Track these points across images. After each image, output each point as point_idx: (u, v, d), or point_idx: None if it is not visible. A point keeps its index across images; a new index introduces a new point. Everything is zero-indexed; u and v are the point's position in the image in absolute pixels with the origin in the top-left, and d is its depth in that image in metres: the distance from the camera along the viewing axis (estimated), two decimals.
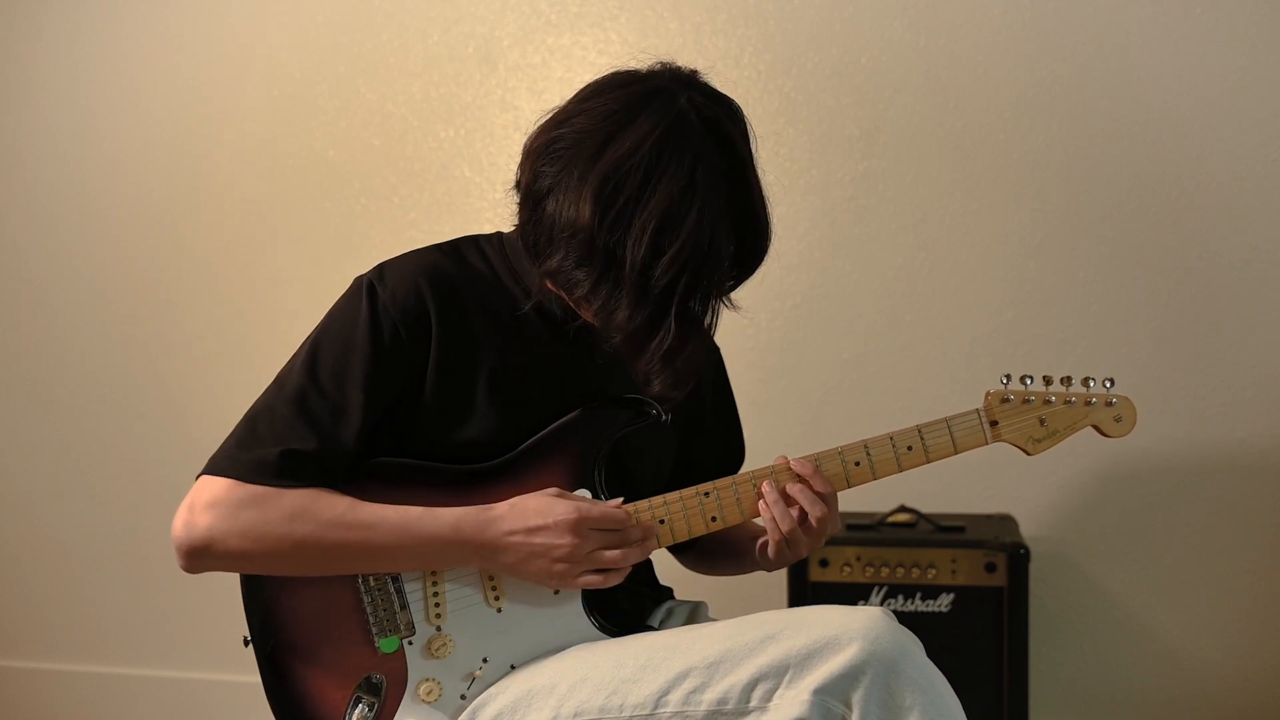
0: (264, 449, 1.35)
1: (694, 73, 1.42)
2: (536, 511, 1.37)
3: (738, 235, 1.40)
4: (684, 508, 1.45)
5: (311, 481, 1.37)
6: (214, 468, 1.37)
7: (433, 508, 1.38)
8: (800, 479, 1.45)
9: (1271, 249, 2.30)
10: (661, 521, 1.45)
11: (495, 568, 1.40)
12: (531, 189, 1.38)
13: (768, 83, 2.49)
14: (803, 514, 1.44)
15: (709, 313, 1.39)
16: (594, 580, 1.40)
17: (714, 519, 1.46)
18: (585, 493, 1.45)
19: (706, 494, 1.46)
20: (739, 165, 1.39)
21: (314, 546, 1.36)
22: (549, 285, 1.42)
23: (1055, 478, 2.40)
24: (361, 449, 1.40)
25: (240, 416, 1.41)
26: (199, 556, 1.36)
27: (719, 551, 1.68)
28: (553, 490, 1.41)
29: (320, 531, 1.35)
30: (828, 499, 1.45)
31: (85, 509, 2.91)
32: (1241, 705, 2.36)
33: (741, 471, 1.50)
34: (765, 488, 1.44)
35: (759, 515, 1.47)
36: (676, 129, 1.34)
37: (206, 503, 1.34)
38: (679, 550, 1.73)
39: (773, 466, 1.46)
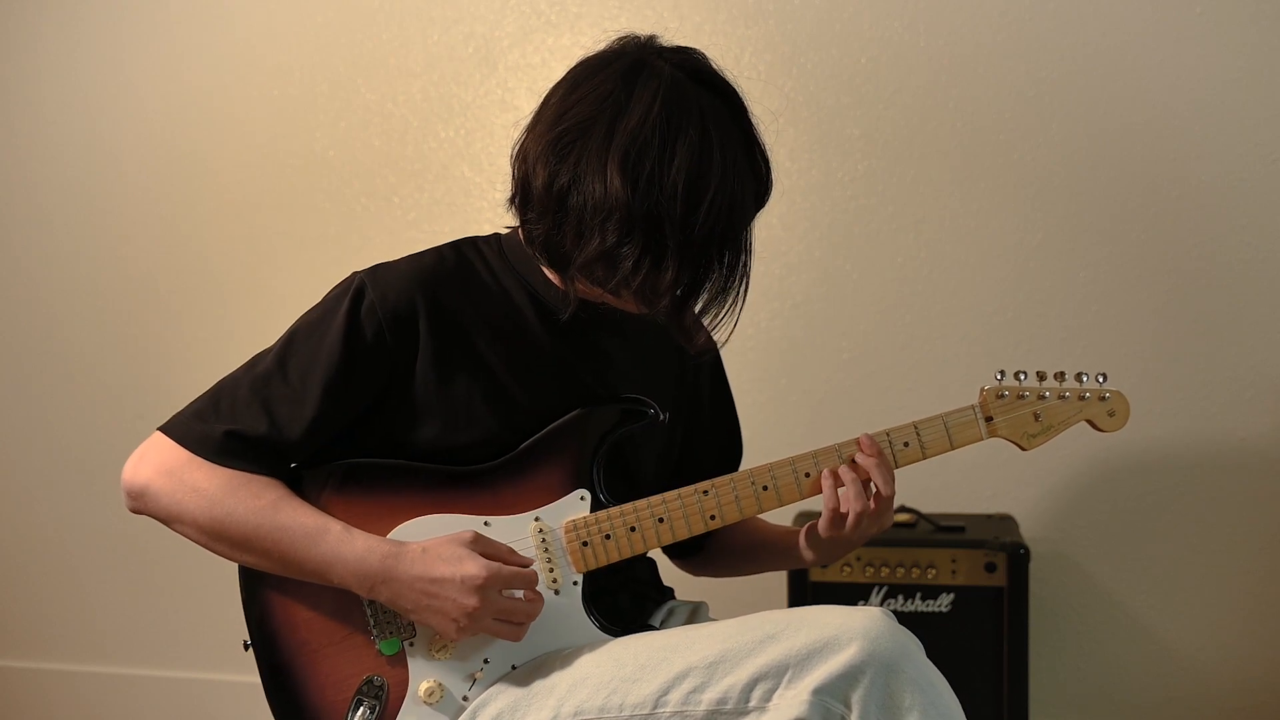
0: (215, 424, 1.39)
1: (652, 37, 1.45)
2: (446, 562, 1.35)
3: (754, 173, 1.43)
4: (683, 506, 1.45)
5: (252, 464, 1.39)
6: (169, 428, 1.42)
7: (353, 528, 1.37)
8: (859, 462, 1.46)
9: (1271, 249, 2.30)
10: (661, 520, 1.45)
11: (395, 608, 1.38)
12: (551, 189, 1.37)
13: (768, 83, 2.49)
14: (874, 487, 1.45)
15: (743, 253, 1.41)
16: (499, 630, 1.38)
17: (713, 517, 1.46)
18: (584, 493, 1.45)
19: (705, 492, 1.46)
20: (738, 107, 1.43)
21: (230, 533, 1.37)
22: (580, 285, 1.42)
23: (1056, 478, 2.40)
24: (309, 444, 1.41)
25: None
26: (135, 500, 1.42)
27: (740, 551, 1.68)
28: (469, 536, 1.38)
29: (231, 520, 1.36)
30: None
31: (85, 509, 2.91)
32: (1241, 705, 2.36)
33: (740, 470, 1.50)
34: (842, 470, 1.45)
35: (757, 513, 1.48)
36: (674, 91, 1.37)
37: (151, 458, 1.40)
38: (683, 555, 1.73)
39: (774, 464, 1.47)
